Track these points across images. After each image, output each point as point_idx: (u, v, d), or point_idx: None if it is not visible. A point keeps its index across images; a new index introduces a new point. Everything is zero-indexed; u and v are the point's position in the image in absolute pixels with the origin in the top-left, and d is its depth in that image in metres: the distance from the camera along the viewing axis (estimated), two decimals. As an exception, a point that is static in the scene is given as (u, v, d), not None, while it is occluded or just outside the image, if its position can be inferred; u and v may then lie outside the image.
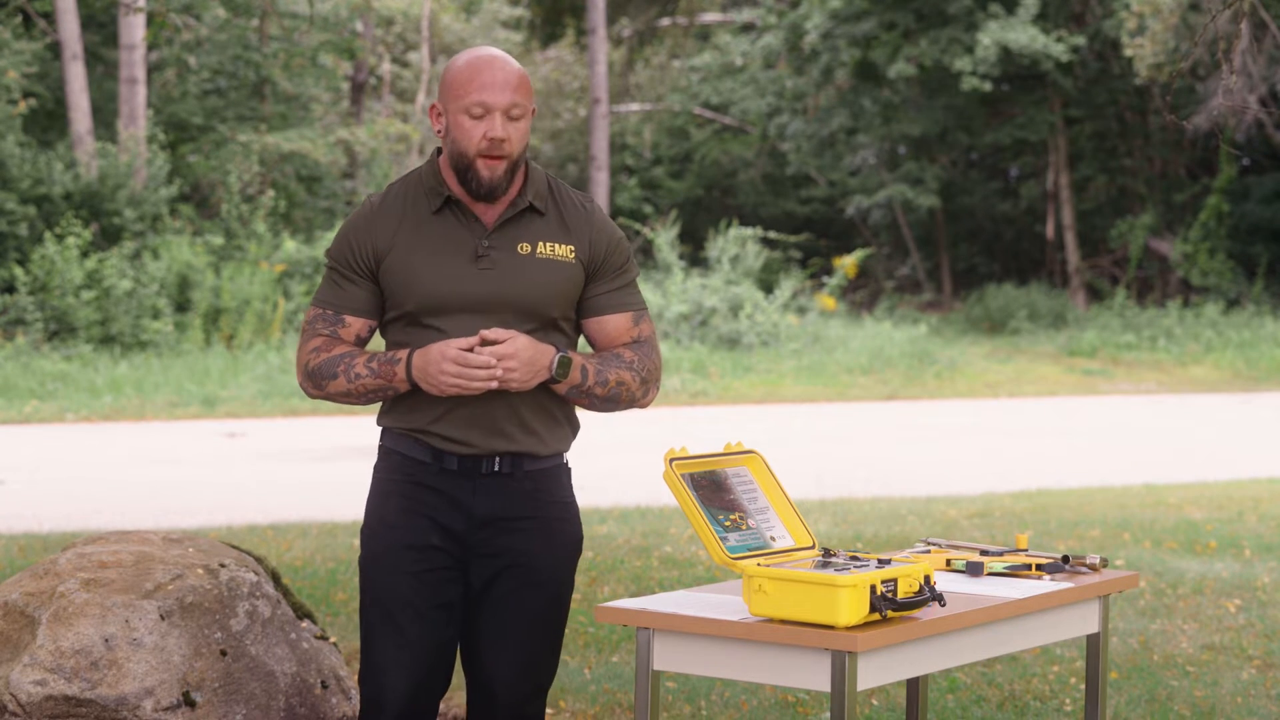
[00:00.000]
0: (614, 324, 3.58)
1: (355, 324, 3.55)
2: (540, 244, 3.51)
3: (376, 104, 28.39)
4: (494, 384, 3.40)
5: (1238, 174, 25.29)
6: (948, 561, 3.76)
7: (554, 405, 3.55)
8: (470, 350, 3.40)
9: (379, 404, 3.61)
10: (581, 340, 3.67)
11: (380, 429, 3.63)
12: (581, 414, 3.69)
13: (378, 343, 3.68)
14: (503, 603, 3.55)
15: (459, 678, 5.49)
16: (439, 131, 3.52)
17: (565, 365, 3.46)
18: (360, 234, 3.53)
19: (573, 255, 3.53)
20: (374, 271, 3.52)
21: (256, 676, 4.20)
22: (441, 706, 5.24)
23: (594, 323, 3.58)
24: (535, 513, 3.55)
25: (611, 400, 3.54)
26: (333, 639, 4.60)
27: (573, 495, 3.64)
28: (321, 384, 3.53)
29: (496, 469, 3.52)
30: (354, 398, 3.53)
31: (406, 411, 3.54)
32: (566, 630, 6.22)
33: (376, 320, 3.57)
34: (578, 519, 3.64)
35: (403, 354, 3.46)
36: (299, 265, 19.41)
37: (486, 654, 3.57)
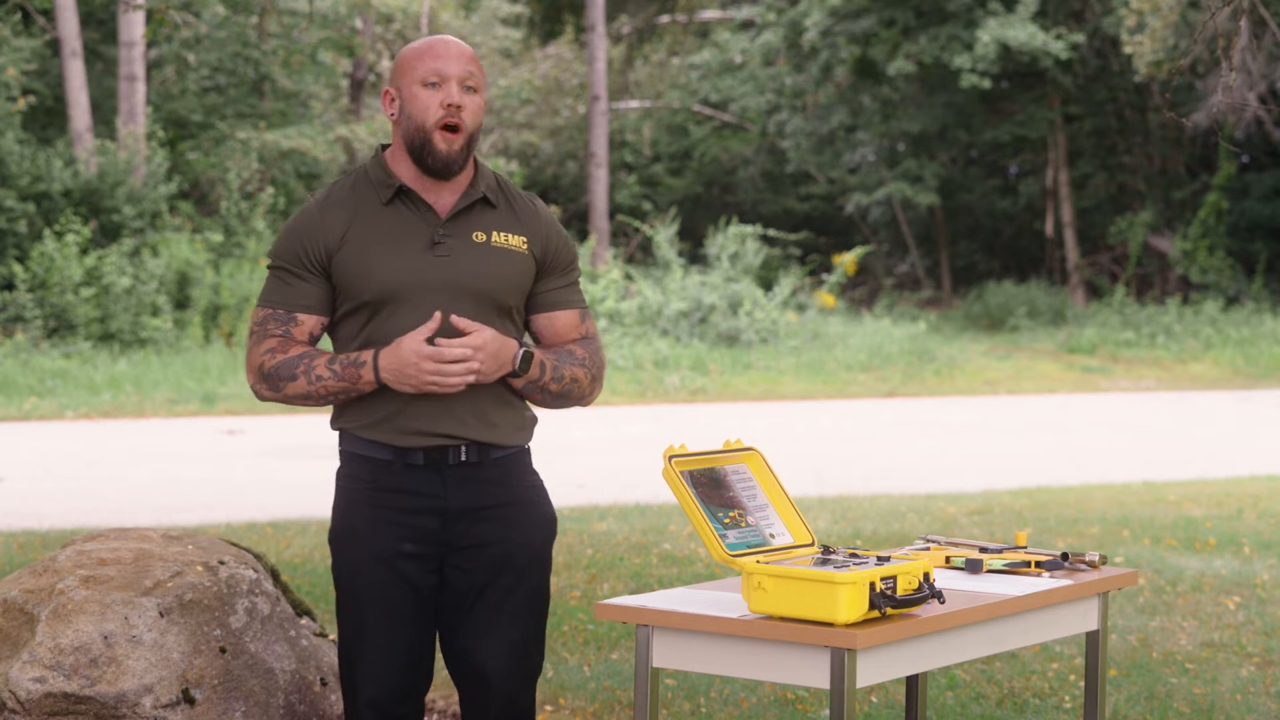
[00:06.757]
0: (564, 320, 3.62)
1: (308, 322, 3.52)
2: (495, 233, 3.53)
3: (376, 101, 28.38)
4: (471, 378, 3.40)
5: (1237, 171, 25.28)
6: (947, 559, 3.76)
7: (513, 398, 3.57)
8: (434, 335, 3.40)
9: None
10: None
11: (337, 432, 3.60)
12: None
13: (325, 343, 3.67)
14: (486, 593, 3.54)
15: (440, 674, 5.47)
16: (392, 116, 3.54)
17: (528, 360, 3.48)
18: (310, 231, 3.51)
19: (525, 247, 3.56)
20: (326, 268, 3.51)
21: (256, 674, 4.20)
22: (441, 704, 5.24)
23: (544, 318, 3.61)
24: (506, 499, 3.55)
25: (563, 396, 3.57)
26: (332, 636, 4.60)
27: (538, 476, 3.65)
28: (278, 386, 3.49)
29: (464, 458, 3.51)
30: (313, 400, 3.49)
31: (363, 409, 3.52)
32: (566, 628, 6.23)
33: (328, 318, 3.55)
34: (547, 499, 3.64)
35: (367, 355, 3.45)
36: (298, 262, 19.41)
37: (475, 646, 3.55)
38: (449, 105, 3.46)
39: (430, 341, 3.41)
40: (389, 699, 3.55)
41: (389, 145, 3.60)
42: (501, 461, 3.55)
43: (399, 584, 3.52)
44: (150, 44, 21.59)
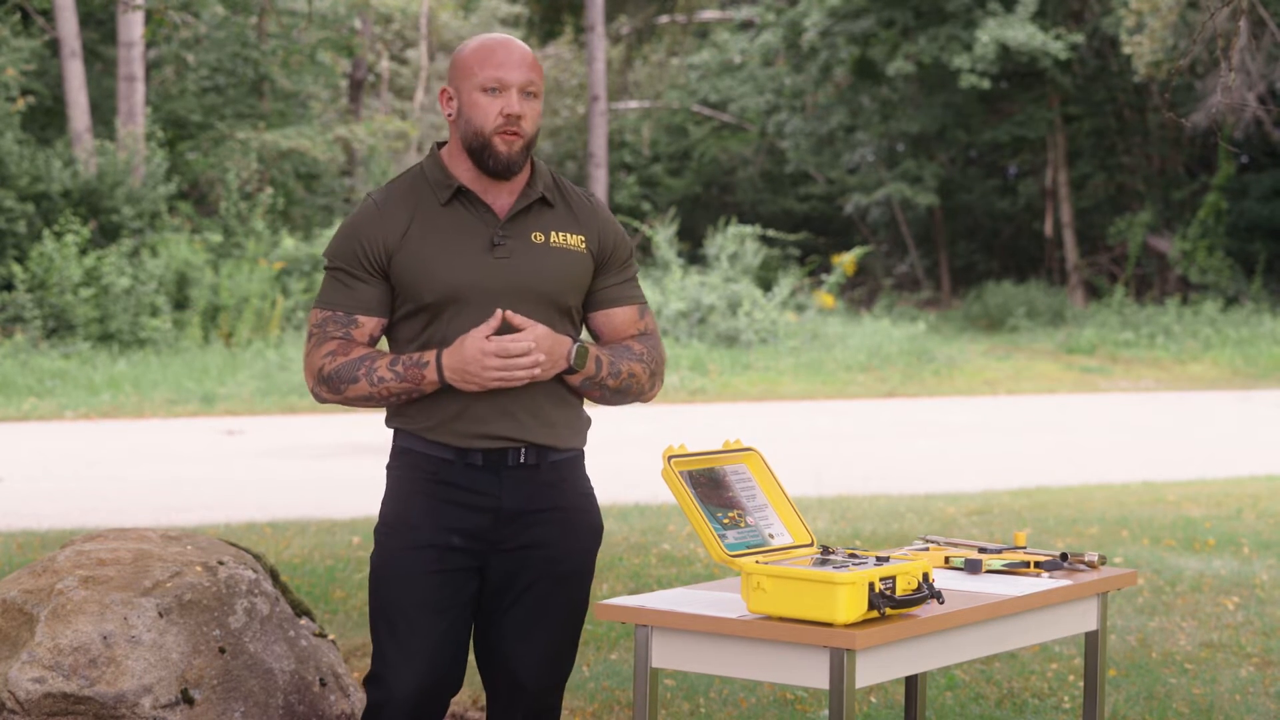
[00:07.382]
0: (622, 316, 3.61)
1: (368, 324, 3.50)
2: (553, 233, 3.53)
3: (375, 101, 28.39)
4: (537, 371, 3.40)
5: (1236, 171, 25.29)
6: (946, 559, 3.75)
7: (571, 397, 3.56)
8: (495, 333, 3.40)
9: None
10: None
11: (392, 430, 3.58)
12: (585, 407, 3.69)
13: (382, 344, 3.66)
14: (527, 595, 3.55)
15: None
16: (449, 116, 3.51)
17: (583, 355, 3.47)
18: (370, 231, 3.48)
19: (584, 246, 3.55)
20: (385, 269, 3.48)
21: (255, 674, 4.20)
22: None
23: (601, 315, 3.61)
24: (559, 504, 3.55)
25: (622, 392, 3.56)
26: (331, 636, 4.60)
27: (591, 485, 3.65)
28: (339, 388, 3.47)
29: (522, 460, 3.51)
30: (374, 401, 3.48)
31: (422, 412, 3.50)
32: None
33: (388, 319, 3.53)
34: (598, 509, 3.65)
35: (429, 355, 3.43)
36: (297, 263, 19.42)
37: (512, 647, 3.56)
38: (509, 115, 3.45)
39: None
40: (422, 694, 3.51)
41: (444, 144, 3.58)
42: (559, 465, 3.55)
43: (442, 574, 3.50)
44: (149, 44, 21.58)
